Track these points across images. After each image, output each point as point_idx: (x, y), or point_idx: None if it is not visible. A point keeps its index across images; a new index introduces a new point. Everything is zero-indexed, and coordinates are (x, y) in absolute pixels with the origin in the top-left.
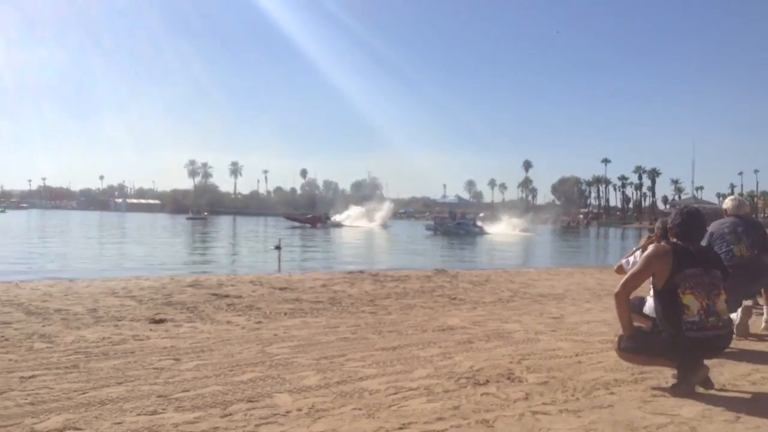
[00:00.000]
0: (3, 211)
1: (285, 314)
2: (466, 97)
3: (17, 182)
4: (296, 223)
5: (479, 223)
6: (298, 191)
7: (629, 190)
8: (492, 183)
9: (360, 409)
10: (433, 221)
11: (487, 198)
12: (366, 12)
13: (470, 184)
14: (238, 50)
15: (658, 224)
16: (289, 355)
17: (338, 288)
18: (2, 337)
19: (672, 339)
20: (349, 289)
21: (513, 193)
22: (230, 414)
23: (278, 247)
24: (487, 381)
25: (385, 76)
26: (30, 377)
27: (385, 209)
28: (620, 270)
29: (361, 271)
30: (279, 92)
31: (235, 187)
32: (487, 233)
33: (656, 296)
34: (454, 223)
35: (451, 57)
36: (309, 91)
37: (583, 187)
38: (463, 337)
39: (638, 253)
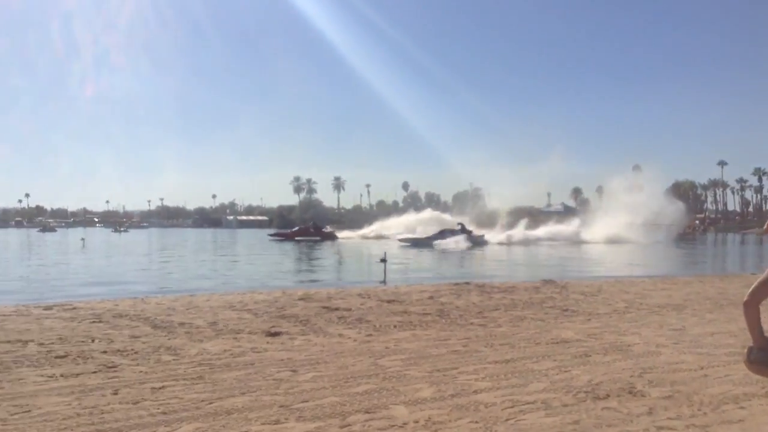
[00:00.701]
0: (126, 231)
1: (394, 327)
2: (572, 104)
3: (138, 203)
4: (278, 238)
5: (484, 235)
6: (400, 204)
7: (748, 194)
8: (599, 190)
9: (477, 422)
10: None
11: (595, 206)
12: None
13: (576, 192)
14: (336, 72)
15: None
16: (402, 367)
17: (445, 300)
18: (132, 350)
19: None
20: (456, 300)
21: None
22: (349, 425)
23: (384, 260)
24: (608, 395)
25: (482, 85)
26: (160, 388)
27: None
28: None
29: (467, 283)
30: (379, 109)
31: (338, 201)
32: (486, 242)
33: None
34: (435, 233)
35: (553, 61)
36: (409, 108)
37: (699, 191)
38: (578, 350)
39: None
